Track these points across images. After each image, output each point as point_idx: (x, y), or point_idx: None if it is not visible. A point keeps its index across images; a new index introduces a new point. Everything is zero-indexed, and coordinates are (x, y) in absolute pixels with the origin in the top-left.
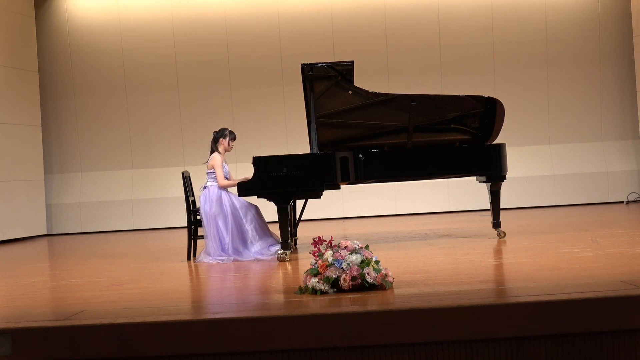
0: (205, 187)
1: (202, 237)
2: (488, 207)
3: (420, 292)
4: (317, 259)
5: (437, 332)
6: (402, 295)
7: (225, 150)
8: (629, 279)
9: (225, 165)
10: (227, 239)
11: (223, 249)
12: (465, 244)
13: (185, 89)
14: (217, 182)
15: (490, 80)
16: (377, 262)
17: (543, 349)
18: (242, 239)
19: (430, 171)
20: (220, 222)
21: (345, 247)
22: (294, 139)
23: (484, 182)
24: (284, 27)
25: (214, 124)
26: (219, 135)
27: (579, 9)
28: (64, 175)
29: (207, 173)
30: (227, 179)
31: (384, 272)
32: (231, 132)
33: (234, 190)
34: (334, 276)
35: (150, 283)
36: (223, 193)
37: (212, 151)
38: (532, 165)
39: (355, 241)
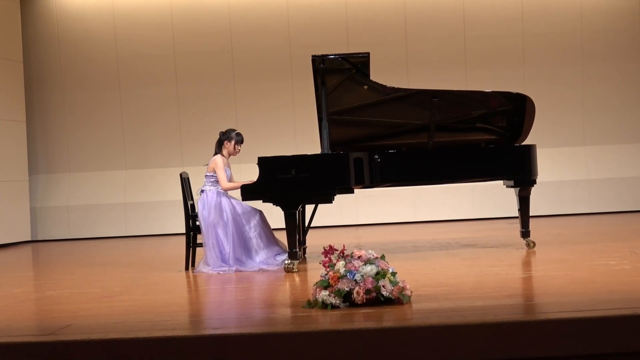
0: (202, 191)
1: (201, 245)
2: (516, 214)
3: (441, 307)
4: (328, 269)
5: (459, 351)
6: (421, 310)
7: (230, 154)
8: None
9: (228, 170)
10: (228, 249)
11: (223, 260)
12: (490, 254)
13: (184, 82)
14: (218, 185)
15: (520, 75)
16: (393, 273)
17: None
18: (245, 247)
19: (453, 174)
20: (220, 231)
21: (359, 257)
22: (304, 138)
23: (511, 186)
24: (293, 14)
25: (215, 121)
26: (224, 137)
27: None
28: (50, 175)
29: (206, 176)
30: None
31: (401, 284)
32: (238, 134)
33: (237, 194)
34: (346, 289)
35: (144, 295)
36: (223, 198)
37: (216, 153)
38: (564, 168)
39: (369, 251)
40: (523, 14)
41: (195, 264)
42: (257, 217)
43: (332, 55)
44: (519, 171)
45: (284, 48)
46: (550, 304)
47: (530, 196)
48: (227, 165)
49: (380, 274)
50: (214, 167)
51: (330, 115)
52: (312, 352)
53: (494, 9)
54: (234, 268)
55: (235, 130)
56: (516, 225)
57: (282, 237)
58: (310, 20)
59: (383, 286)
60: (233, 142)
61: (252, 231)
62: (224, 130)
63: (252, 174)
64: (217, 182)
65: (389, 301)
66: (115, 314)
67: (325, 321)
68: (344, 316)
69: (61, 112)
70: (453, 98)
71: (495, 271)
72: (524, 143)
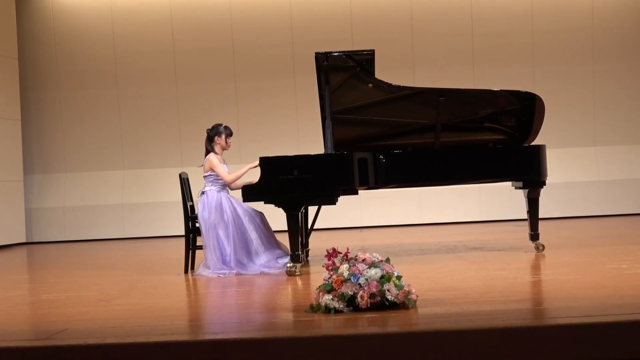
0: (203, 193)
1: (201, 247)
2: (525, 216)
3: (448, 312)
4: (331, 273)
5: (466, 357)
6: (427, 315)
7: (223, 149)
8: None
9: (225, 166)
10: (229, 251)
11: (224, 262)
12: (498, 257)
13: (184, 80)
14: (218, 183)
15: (529, 73)
16: (398, 277)
17: None
18: (246, 249)
19: (460, 175)
20: (221, 232)
21: (363, 260)
22: (306, 138)
23: (520, 188)
24: (296, 10)
25: (215, 120)
26: (213, 133)
27: None
28: (46, 176)
29: (204, 177)
30: None
31: (406, 288)
32: (226, 128)
33: (238, 195)
34: (350, 293)
35: (142, 298)
36: (224, 198)
37: (208, 152)
38: (575, 169)
39: (374, 253)
40: (532, 10)
41: (195, 266)
42: (259, 219)
43: (336, 52)
44: (528, 172)
45: (287, 45)
46: (559, 309)
47: (540, 198)
48: (223, 162)
49: (385, 278)
50: (210, 166)
51: (334, 114)
52: (315, 358)
53: (503, 6)
54: (234, 271)
55: (222, 124)
56: (525, 228)
57: (284, 239)
58: (314, 16)
59: (388, 290)
60: (223, 137)
61: (253, 233)
62: (210, 127)
63: (253, 175)
64: (217, 180)
65: (394, 305)
66: (112, 318)
67: (329, 326)
68: (347, 321)
69: (57, 110)
70: (460, 97)
71: (503, 275)
72: (533, 143)
